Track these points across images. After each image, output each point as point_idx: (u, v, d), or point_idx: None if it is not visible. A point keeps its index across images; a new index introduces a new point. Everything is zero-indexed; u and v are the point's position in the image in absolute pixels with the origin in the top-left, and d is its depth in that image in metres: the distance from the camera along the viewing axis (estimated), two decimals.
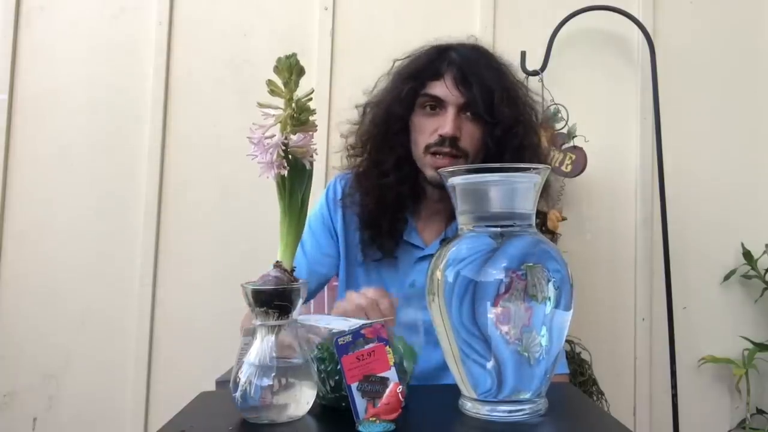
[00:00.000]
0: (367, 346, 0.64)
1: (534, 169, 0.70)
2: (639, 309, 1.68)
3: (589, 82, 1.70)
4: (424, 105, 1.06)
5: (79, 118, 1.67)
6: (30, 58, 1.68)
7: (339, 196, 1.17)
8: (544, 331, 0.68)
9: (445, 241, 1.06)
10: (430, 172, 1.05)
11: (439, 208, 1.12)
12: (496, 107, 1.04)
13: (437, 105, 1.05)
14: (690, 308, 1.68)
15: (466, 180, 0.70)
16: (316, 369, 0.68)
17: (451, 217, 1.13)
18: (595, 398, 1.50)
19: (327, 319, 0.77)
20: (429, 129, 1.04)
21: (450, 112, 1.03)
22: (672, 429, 1.56)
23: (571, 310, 0.69)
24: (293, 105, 0.67)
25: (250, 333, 0.67)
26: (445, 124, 1.02)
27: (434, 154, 1.04)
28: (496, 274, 0.67)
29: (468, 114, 1.04)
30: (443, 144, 1.02)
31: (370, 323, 0.67)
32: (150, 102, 1.67)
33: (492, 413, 0.67)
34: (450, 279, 0.68)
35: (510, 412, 0.66)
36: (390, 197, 1.08)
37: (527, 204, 0.70)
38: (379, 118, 1.10)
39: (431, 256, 1.08)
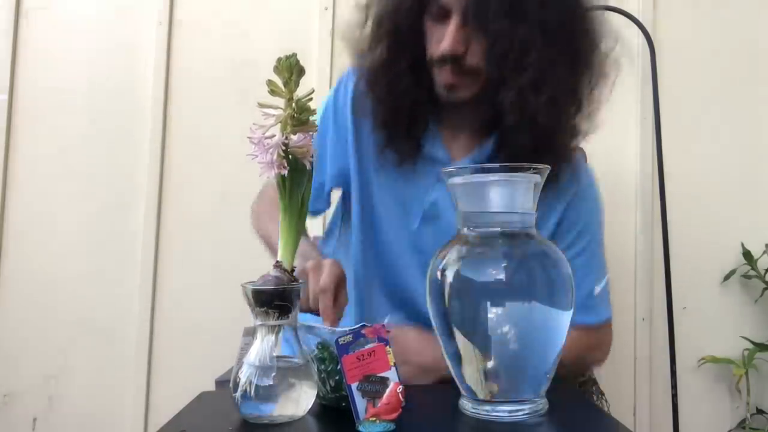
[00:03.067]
0: (367, 346, 0.64)
1: (534, 168, 0.70)
2: (639, 309, 1.68)
3: None
4: (431, 11, 0.91)
5: (79, 118, 1.67)
6: (30, 58, 1.68)
7: (350, 94, 1.03)
8: (543, 331, 0.68)
9: (487, 160, 0.93)
10: (438, 88, 0.93)
11: (468, 117, 0.97)
12: (515, 13, 0.85)
13: (443, 13, 0.89)
14: (690, 308, 1.68)
15: (466, 180, 0.70)
16: (316, 369, 0.68)
17: (484, 131, 0.98)
18: (595, 398, 1.50)
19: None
20: (435, 39, 0.91)
21: (452, 24, 0.87)
22: (672, 429, 1.56)
23: (571, 310, 0.69)
24: (293, 105, 0.67)
25: (250, 333, 0.67)
26: (444, 37, 0.87)
27: (441, 68, 0.91)
28: (495, 274, 0.67)
29: (479, 23, 0.86)
30: (446, 62, 0.89)
31: (371, 324, 0.67)
32: (150, 102, 1.67)
33: (492, 413, 0.66)
34: (450, 279, 0.68)
35: (510, 412, 0.66)
36: (406, 101, 0.94)
37: (527, 204, 0.70)
38: (387, 17, 0.95)
39: None
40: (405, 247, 0.99)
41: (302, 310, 0.78)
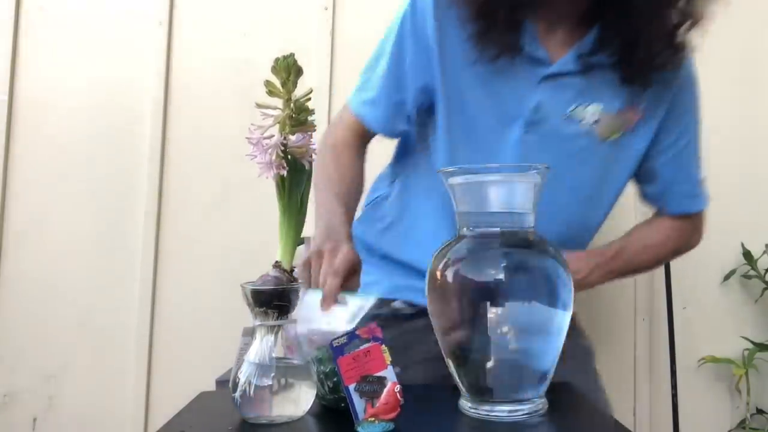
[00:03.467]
0: (362, 347, 0.64)
1: (534, 168, 0.70)
2: (639, 309, 1.67)
3: None
4: None
5: (79, 118, 1.67)
6: (30, 59, 1.68)
7: None
8: (543, 330, 0.68)
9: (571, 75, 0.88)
10: None
11: (566, 8, 0.90)
12: None
13: None
14: (690, 308, 1.68)
15: (466, 180, 0.70)
16: (315, 369, 0.68)
17: (582, 23, 0.91)
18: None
19: (327, 318, 0.77)
20: None
21: None
22: (672, 429, 1.56)
23: (571, 310, 0.69)
24: (292, 105, 0.67)
25: (249, 333, 0.67)
26: None
27: None
28: (495, 274, 0.67)
29: None
30: None
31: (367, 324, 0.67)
32: (150, 102, 1.67)
33: (492, 413, 0.67)
34: (450, 279, 0.68)
35: (510, 412, 0.66)
36: None
37: (527, 204, 0.70)
38: None
39: (559, 75, 0.91)
40: (506, 159, 0.90)
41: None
